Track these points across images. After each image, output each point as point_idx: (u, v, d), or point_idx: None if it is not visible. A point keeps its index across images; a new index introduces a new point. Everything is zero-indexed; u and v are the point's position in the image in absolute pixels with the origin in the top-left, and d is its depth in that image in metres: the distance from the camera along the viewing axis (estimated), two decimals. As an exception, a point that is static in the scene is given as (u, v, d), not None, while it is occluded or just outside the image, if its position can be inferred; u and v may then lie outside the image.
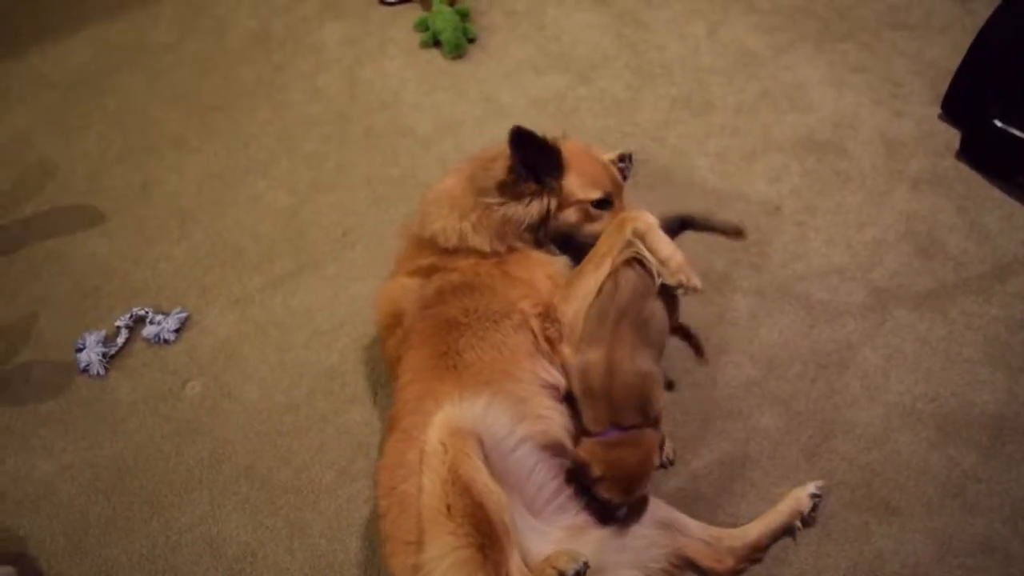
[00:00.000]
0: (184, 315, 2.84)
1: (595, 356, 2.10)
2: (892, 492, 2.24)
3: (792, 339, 2.55)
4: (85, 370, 2.75)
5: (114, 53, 3.88)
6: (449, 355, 2.11)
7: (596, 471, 1.99)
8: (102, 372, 2.74)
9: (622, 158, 2.93)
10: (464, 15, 3.62)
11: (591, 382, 2.09)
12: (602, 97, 3.30)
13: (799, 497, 2.19)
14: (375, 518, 2.31)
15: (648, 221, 2.22)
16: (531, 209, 2.31)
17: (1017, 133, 2.73)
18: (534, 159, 2.27)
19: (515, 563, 1.79)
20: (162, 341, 2.79)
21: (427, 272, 2.32)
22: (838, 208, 2.83)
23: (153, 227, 3.16)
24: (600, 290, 2.19)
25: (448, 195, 2.38)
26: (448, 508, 1.78)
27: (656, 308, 2.19)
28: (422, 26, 3.66)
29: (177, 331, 2.81)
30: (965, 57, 2.93)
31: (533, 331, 2.21)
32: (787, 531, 2.18)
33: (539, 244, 2.39)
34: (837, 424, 2.37)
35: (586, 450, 2.03)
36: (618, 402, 2.05)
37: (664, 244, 2.20)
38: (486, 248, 2.31)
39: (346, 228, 3.04)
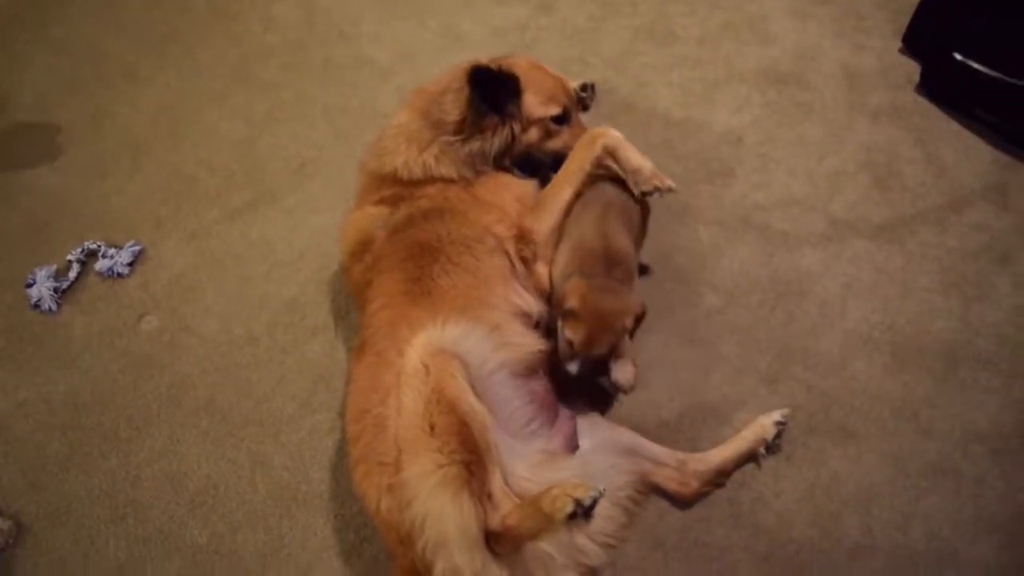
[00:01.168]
0: (138, 248, 2.78)
1: (589, 227, 2.18)
2: (849, 417, 2.29)
3: (752, 268, 2.56)
4: (36, 306, 2.69)
5: (57, -20, 3.72)
6: (423, 280, 2.10)
7: (572, 303, 2.03)
8: (54, 308, 2.68)
9: (584, 88, 2.89)
10: (423, -57, 3.52)
11: (588, 244, 2.16)
12: (564, 27, 3.25)
13: (764, 424, 2.23)
14: (339, 449, 2.32)
15: (616, 136, 2.26)
16: (495, 140, 2.31)
17: (976, 66, 2.74)
18: (492, 92, 2.26)
19: (497, 482, 1.81)
20: (115, 275, 2.73)
21: (393, 201, 2.30)
22: (799, 139, 2.83)
23: (105, 160, 3.07)
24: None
25: (404, 130, 2.36)
26: (432, 427, 1.78)
27: (634, 209, 2.27)
28: (380, -46, 3.56)
29: (131, 265, 2.75)
30: (926, -10, 2.93)
31: (507, 254, 2.22)
32: (751, 457, 2.22)
33: (502, 167, 2.38)
34: (796, 351, 2.40)
35: (572, 284, 2.06)
36: (614, 257, 2.12)
37: (634, 155, 2.26)
38: (453, 175, 2.31)
39: (304, 159, 2.98)
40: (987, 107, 2.78)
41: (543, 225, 2.24)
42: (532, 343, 2.13)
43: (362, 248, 2.27)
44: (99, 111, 3.22)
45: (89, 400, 2.51)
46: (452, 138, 2.29)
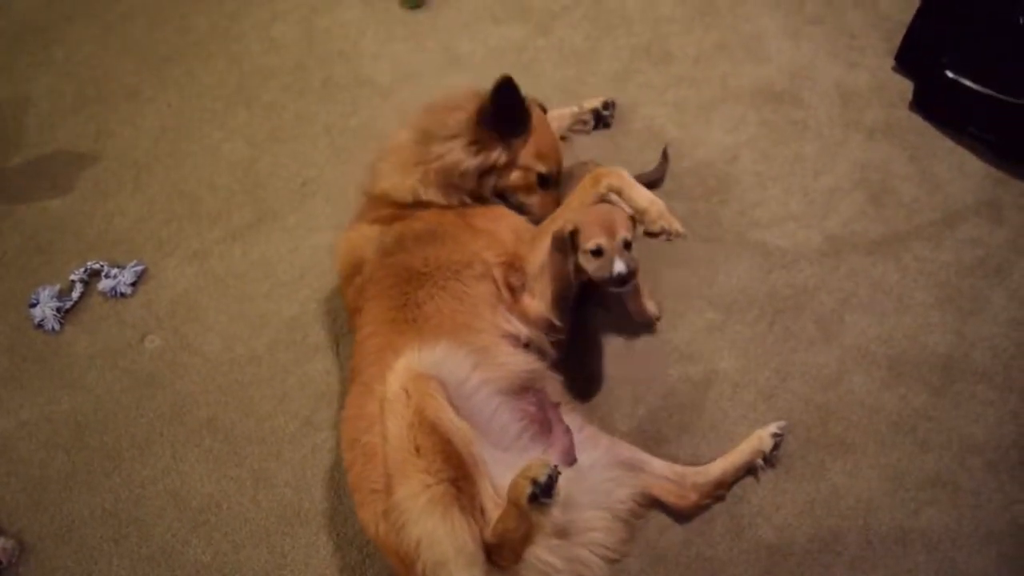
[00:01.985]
0: (141, 268, 2.80)
1: None
2: (847, 430, 2.31)
3: (750, 284, 2.59)
4: (40, 325, 2.71)
5: (61, 4, 3.75)
6: (408, 307, 2.12)
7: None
8: (57, 327, 2.70)
9: (606, 105, 2.96)
10: (422, -35, 3.56)
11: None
12: (561, 47, 3.29)
13: (761, 436, 2.25)
14: (340, 467, 2.33)
15: (623, 175, 2.28)
16: (477, 158, 2.30)
17: (968, 84, 2.77)
18: (506, 114, 2.27)
19: (488, 494, 1.81)
20: (118, 295, 2.75)
21: (388, 220, 2.32)
22: (795, 157, 2.86)
23: (107, 180, 3.09)
24: None
25: (396, 151, 2.38)
26: (417, 448, 1.79)
27: None
28: (379, -25, 3.59)
29: (134, 284, 2.77)
30: (919, 9, 2.96)
31: (495, 280, 2.22)
32: (749, 469, 2.24)
33: (484, 200, 2.38)
34: (794, 366, 2.42)
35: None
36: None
37: (642, 195, 2.26)
38: (442, 201, 2.32)
39: (305, 178, 3.01)
40: (980, 124, 2.80)
41: (536, 258, 2.22)
42: (520, 362, 2.15)
43: (354, 271, 2.30)
44: (101, 131, 3.25)
45: (92, 419, 2.52)
46: (437, 148, 2.29)
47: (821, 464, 2.26)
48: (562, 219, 2.24)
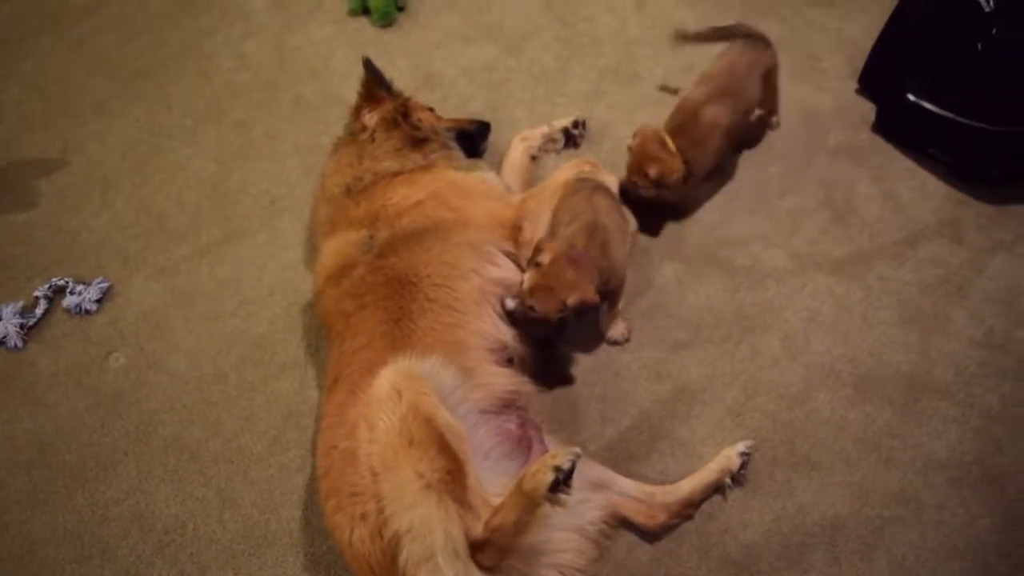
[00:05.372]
0: (106, 285, 2.77)
1: (581, 203, 2.41)
2: (813, 448, 2.33)
3: (717, 304, 2.62)
4: (2, 342, 2.68)
5: (31, 16, 3.72)
6: (403, 322, 2.15)
7: (543, 257, 2.21)
8: (20, 344, 2.66)
9: (576, 124, 3.02)
10: (394, -17, 3.58)
11: (579, 214, 2.36)
12: (531, 68, 3.32)
13: (729, 455, 2.27)
14: (309, 486, 2.32)
15: (593, 162, 2.70)
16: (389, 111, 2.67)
17: (929, 107, 2.83)
18: (378, 78, 2.77)
19: (475, 491, 1.82)
20: (83, 312, 2.72)
21: (369, 220, 2.38)
22: (760, 177, 2.90)
23: (73, 195, 3.06)
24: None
25: (335, 157, 2.66)
26: (410, 441, 1.79)
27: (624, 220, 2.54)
28: (351, -7, 3.61)
29: (99, 301, 2.74)
30: (880, 35, 3.03)
31: (478, 274, 2.30)
32: (717, 488, 2.26)
33: (444, 146, 2.70)
34: (760, 384, 2.45)
35: (553, 244, 2.26)
36: (597, 227, 2.32)
37: (609, 177, 2.65)
38: (396, 168, 2.54)
39: (275, 196, 3.00)
40: (940, 145, 2.87)
41: (528, 229, 2.46)
42: (504, 382, 2.17)
43: (341, 273, 2.32)
44: (68, 146, 3.22)
45: (55, 438, 2.49)
46: (381, 134, 2.62)
47: (788, 482, 2.28)
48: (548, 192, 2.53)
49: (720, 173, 2.89)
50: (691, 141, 2.60)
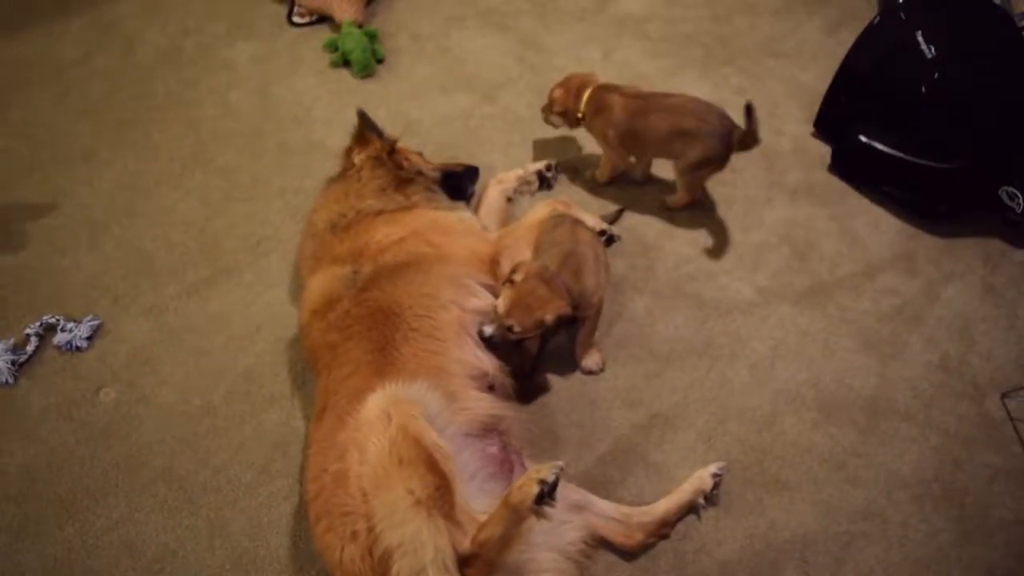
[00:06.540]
0: (97, 323, 2.83)
1: (561, 235, 2.51)
2: (781, 469, 2.45)
3: (687, 334, 2.74)
4: (-8, 379, 2.71)
5: (19, 68, 3.80)
6: (387, 349, 2.24)
7: (517, 276, 2.30)
8: (11, 380, 2.70)
9: (549, 167, 3.16)
10: (372, 36, 3.72)
11: (556, 237, 2.49)
12: (505, 115, 3.47)
13: (702, 476, 2.37)
14: (297, 513, 2.37)
15: (566, 201, 2.82)
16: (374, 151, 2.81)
17: (880, 147, 3.03)
18: (369, 125, 2.91)
19: (462, 507, 1.90)
20: (74, 348, 2.77)
21: (353, 256, 2.48)
22: (725, 215, 3.06)
23: (63, 237, 3.12)
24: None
25: (325, 193, 2.81)
26: (400, 461, 1.87)
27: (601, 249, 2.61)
28: (331, 47, 3.74)
29: (90, 338, 2.80)
30: (833, 81, 3.23)
31: (458, 306, 2.40)
32: (692, 508, 2.36)
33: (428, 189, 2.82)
34: (730, 409, 2.57)
35: (526, 263, 2.36)
36: (573, 255, 2.43)
37: (583, 215, 2.78)
38: (379, 207, 2.65)
39: (260, 237, 3.08)
40: (892, 183, 3.06)
41: (506, 263, 2.54)
42: (486, 407, 2.26)
43: (327, 307, 2.40)
44: (57, 191, 3.28)
45: (45, 471, 2.52)
46: (368, 172, 2.75)
47: (759, 501, 2.39)
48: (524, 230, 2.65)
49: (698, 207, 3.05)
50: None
